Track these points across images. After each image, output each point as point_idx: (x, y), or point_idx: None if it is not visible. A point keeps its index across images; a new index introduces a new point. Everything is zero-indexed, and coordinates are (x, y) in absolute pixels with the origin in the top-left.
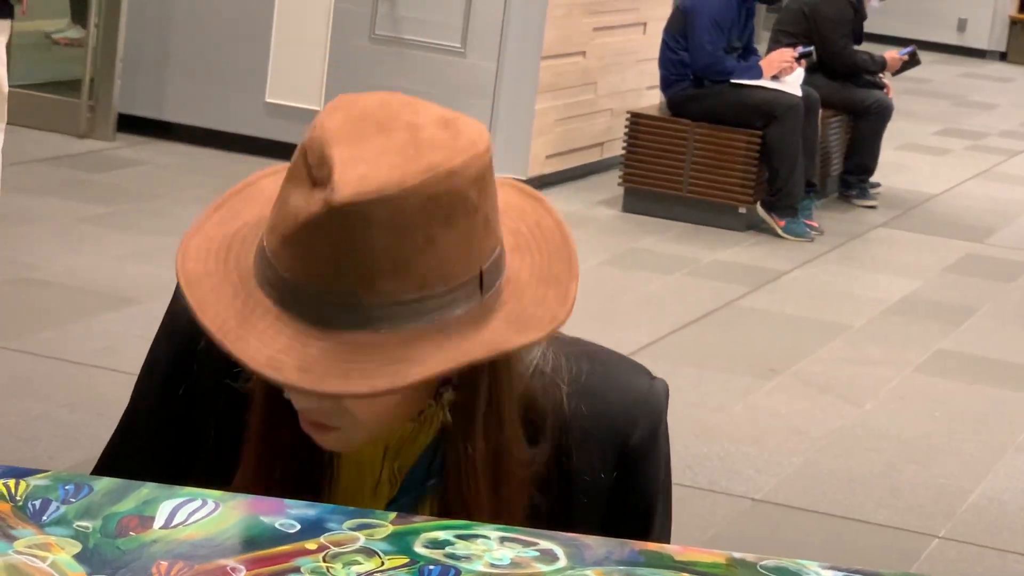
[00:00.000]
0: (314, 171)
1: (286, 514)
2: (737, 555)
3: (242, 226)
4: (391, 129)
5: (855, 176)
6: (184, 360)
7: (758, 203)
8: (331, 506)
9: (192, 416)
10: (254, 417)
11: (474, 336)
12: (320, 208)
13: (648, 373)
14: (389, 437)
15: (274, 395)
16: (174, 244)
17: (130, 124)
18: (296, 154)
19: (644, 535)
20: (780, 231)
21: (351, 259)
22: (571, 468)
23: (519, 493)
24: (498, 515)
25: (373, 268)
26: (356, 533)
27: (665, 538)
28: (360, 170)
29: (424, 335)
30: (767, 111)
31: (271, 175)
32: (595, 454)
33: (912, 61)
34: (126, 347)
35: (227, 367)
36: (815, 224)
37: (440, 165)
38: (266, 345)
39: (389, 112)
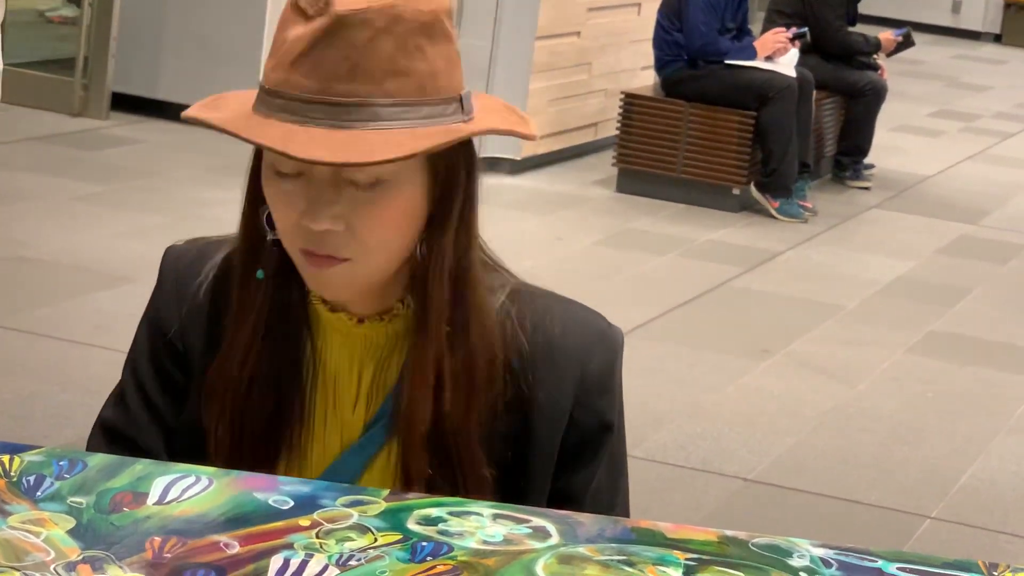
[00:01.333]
0: (309, 9)
1: (279, 490)
2: (729, 533)
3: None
4: None
5: (849, 157)
6: (168, 335)
7: (752, 184)
8: (325, 483)
9: (179, 374)
10: (242, 330)
11: (457, 128)
12: (328, 20)
13: (606, 319)
14: (361, 347)
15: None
16: (168, 222)
17: (124, 103)
18: (284, 11)
19: (594, 467)
20: (774, 212)
21: (361, 61)
22: (532, 395)
23: (478, 410)
24: (456, 432)
25: (380, 70)
26: (349, 510)
27: (616, 477)
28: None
29: (427, 128)
30: (761, 92)
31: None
32: (554, 381)
33: (906, 42)
34: (119, 325)
35: (216, 305)
36: (809, 205)
37: None
38: (283, 135)
39: None
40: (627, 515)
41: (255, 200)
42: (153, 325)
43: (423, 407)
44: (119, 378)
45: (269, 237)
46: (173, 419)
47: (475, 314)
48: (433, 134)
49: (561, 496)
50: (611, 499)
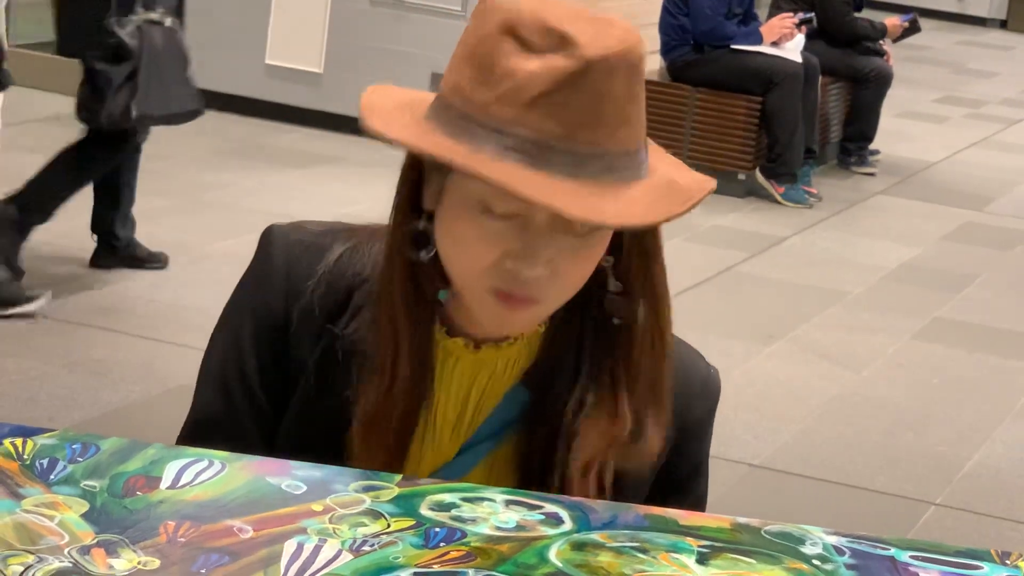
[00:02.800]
0: (538, 41)
1: (292, 475)
2: (742, 520)
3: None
4: (575, 11)
5: (854, 143)
6: (275, 326)
7: (757, 169)
8: (337, 467)
9: (284, 372)
10: (394, 360)
11: (679, 183)
12: (578, 64)
13: (704, 358)
14: (473, 372)
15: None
16: (173, 205)
17: None
18: (490, 36)
19: (678, 504)
20: (779, 197)
21: (602, 108)
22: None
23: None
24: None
25: (615, 118)
26: (362, 495)
27: (701, 509)
28: (590, 31)
29: (648, 184)
30: (767, 77)
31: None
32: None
33: (912, 28)
34: (126, 308)
35: (331, 315)
36: (814, 191)
37: (634, 31)
38: (523, 178)
39: (556, 2)
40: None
41: (407, 216)
42: (259, 315)
43: (556, 425)
44: (125, 360)
45: (425, 258)
46: (272, 418)
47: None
48: (672, 200)
49: None
50: None
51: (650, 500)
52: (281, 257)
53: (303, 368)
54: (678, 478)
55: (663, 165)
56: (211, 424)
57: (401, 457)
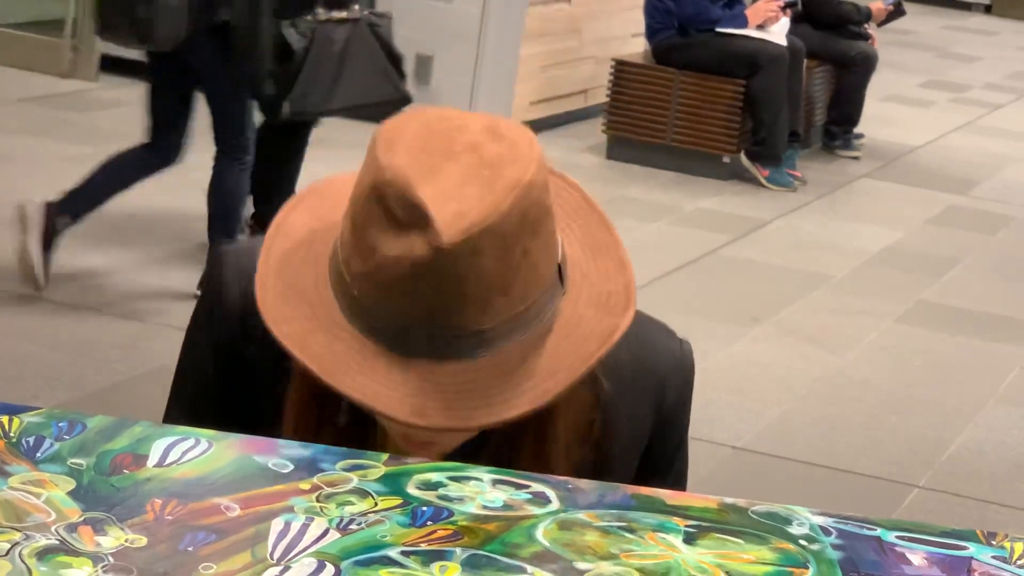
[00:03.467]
0: (400, 215)
1: (279, 454)
2: (729, 500)
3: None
4: (456, 154)
5: (839, 127)
6: (233, 346)
7: (742, 152)
8: (324, 446)
9: (245, 389)
10: (296, 412)
11: (579, 333)
12: (428, 253)
13: (674, 334)
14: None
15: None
16: (156, 185)
17: (113, 65)
18: (363, 197)
19: (659, 482)
20: (763, 180)
21: (465, 291)
22: (610, 428)
23: (563, 455)
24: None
25: (484, 294)
26: (349, 474)
27: (682, 486)
28: (452, 207)
29: (538, 346)
30: (752, 61)
31: (298, 207)
32: (634, 413)
33: (897, 12)
34: (108, 288)
35: (279, 373)
36: (798, 174)
37: (519, 180)
38: (387, 387)
39: (443, 136)
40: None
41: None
42: (218, 341)
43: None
44: (108, 340)
45: (342, 421)
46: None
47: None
48: (556, 366)
49: None
50: None
51: (635, 481)
52: (232, 281)
53: (267, 391)
54: (660, 458)
55: (583, 291)
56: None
57: None
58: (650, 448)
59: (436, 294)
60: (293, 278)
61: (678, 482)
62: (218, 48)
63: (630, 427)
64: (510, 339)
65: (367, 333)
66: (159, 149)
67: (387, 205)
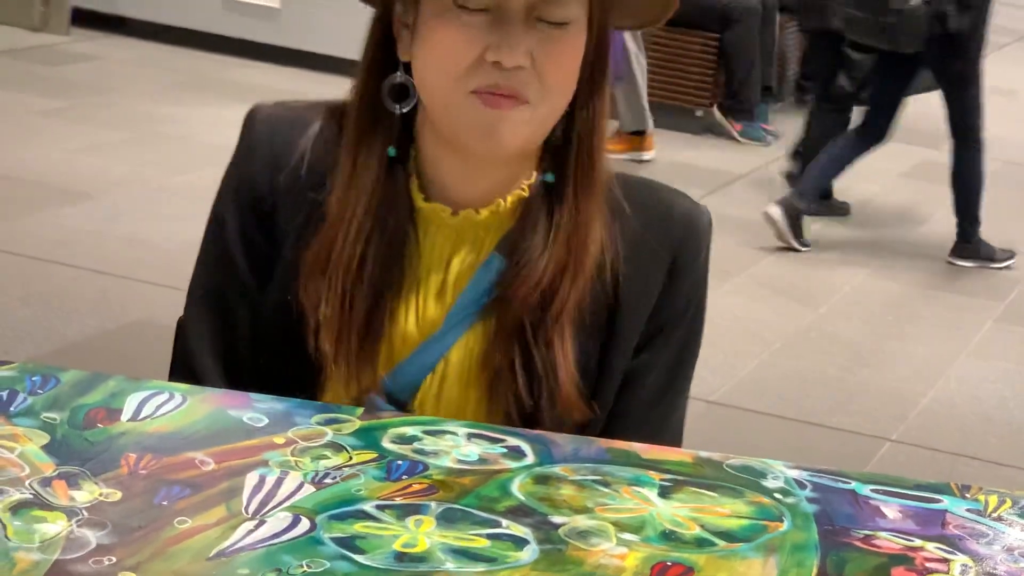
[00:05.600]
0: None
1: (254, 408)
2: (703, 454)
3: None
4: None
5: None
6: (259, 201)
7: (715, 106)
8: (298, 400)
9: (271, 245)
10: (353, 208)
11: None
12: None
13: (690, 197)
14: (454, 238)
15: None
16: (128, 138)
17: (85, 18)
18: None
19: (658, 353)
20: (737, 135)
21: None
22: (620, 288)
23: (580, 299)
24: (555, 318)
25: None
26: (324, 428)
27: (688, 368)
28: None
29: None
30: (725, 15)
31: None
32: (644, 274)
33: None
34: (79, 241)
35: (314, 184)
36: (771, 128)
37: None
38: None
39: None
40: (679, 434)
41: (378, 72)
42: (242, 193)
43: (532, 285)
44: (78, 293)
45: (399, 110)
46: (258, 296)
47: (601, 192)
48: None
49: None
50: (665, 402)
51: (640, 348)
52: (265, 131)
53: (286, 237)
54: (664, 319)
55: None
56: (200, 302)
57: (381, 316)
58: (654, 311)
59: None
60: None
61: (670, 375)
62: (946, 51)
63: (639, 289)
64: None
65: None
66: (872, 131)
67: None
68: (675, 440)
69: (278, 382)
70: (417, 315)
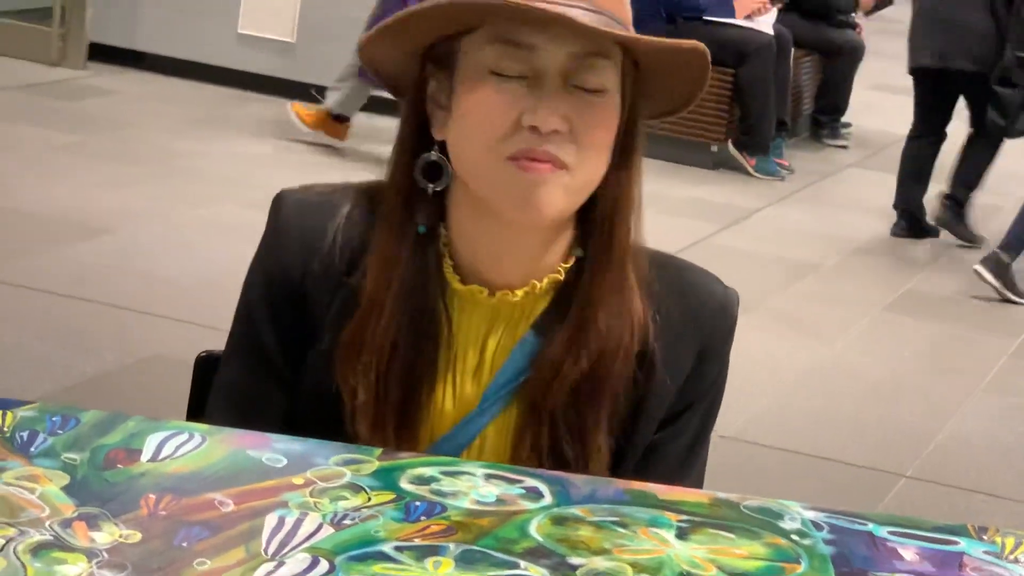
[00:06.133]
0: None
1: (272, 448)
2: (721, 495)
3: None
4: None
5: (826, 116)
6: (291, 288)
7: (729, 141)
8: (317, 441)
9: (302, 331)
10: (386, 288)
11: None
12: None
13: (721, 282)
14: (490, 318)
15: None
16: (145, 173)
17: (102, 53)
18: None
19: (683, 423)
20: (751, 169)
21: None
22: (654, 364)
23: (613, 381)
24: (591, 397)
25: None
26: (342, 468)
27: (710, 429)
28: None
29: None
30: (739, 49)
31: None
32: (676, 353)
33: (884, 1)
34: (97, 277)
35: (348, 267)
36: (786, 163)
37: None
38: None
39: None
40: (700, 482)
41: (412, 153)
42: (274, 282)
43: (572, 364)
44: (96, 329)
45: (431, 189)
46: (290, 379)
47: (622, 266)
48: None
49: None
50: (690, 459)
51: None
52: (295, 220)
53: (321, 323)
54: (691, 397)
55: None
56: (234, 392)
57: (417, 400)
58: (682, 389)
59: None
60: None
61: (695, 436)
62: None
63: (670, 366)
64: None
65: None
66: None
67: None
68: (696, 486)
69: None
70: (454, 394)
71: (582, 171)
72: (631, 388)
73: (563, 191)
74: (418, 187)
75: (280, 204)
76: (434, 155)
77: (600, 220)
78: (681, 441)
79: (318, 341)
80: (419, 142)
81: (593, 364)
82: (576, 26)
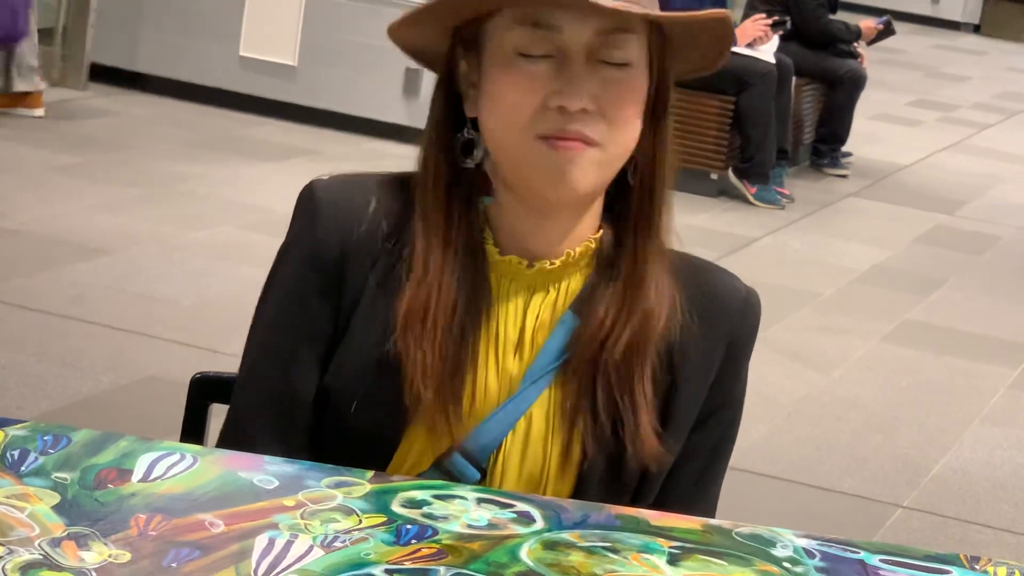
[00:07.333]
0: None
1: (264, 470)
2: (713, 522)
3: None
4: None
5: (827, 145)
6: (328, 266)
7: (730, 169)
8: (308, 463)
9: (327, 315)
10: (436, 259)
11: None
12: None
13: (739, 278)
14: (528, 290)
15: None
16: (145, 195)
17: (102, 74)
18: None
19: (704, 434)
20: (751, 198)
21: None
22: (684, 359)
23: (643, 366)
24: (631, 367)
25: None
26: (334, 491)
27: (732, 442)
28: None
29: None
30: (741, 77)
31: None
32: (701, 347)
33: (887, 31)
34: (95, 297)
35: (387, 236)
36: (786, 192)
37: None
38: None
39: None
40: (715, 503)
41: (447, 131)
42: (312, 261)
43: (600, 341)
44: (95, 350)
45: (471, 164)
46: (317, 368)
47: (663, 236)
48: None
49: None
50: (709, 476)
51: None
52: (327, 199)
53: (362, 292)
54: (718, 400)
55: None
56: (260, 383)
57: (461, 369)
58: (712, 388)
59: None
60: None
61: (715, 452)
62: None
63: (701, 360)
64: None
65: None
66: None
67: None
68: (710, 509)
69: (349, 442)
70: (498, 368)
71: (613, 145)
72: (663, 384)
73: (595, 166)
74: (456, 164)
75: (311, 191)
76: (468, 133)
77: (639, 189)
78: (704, 454)
79: (359, 309)
80: (453, 121)
81: (641, 324)
82: (599, 8)
